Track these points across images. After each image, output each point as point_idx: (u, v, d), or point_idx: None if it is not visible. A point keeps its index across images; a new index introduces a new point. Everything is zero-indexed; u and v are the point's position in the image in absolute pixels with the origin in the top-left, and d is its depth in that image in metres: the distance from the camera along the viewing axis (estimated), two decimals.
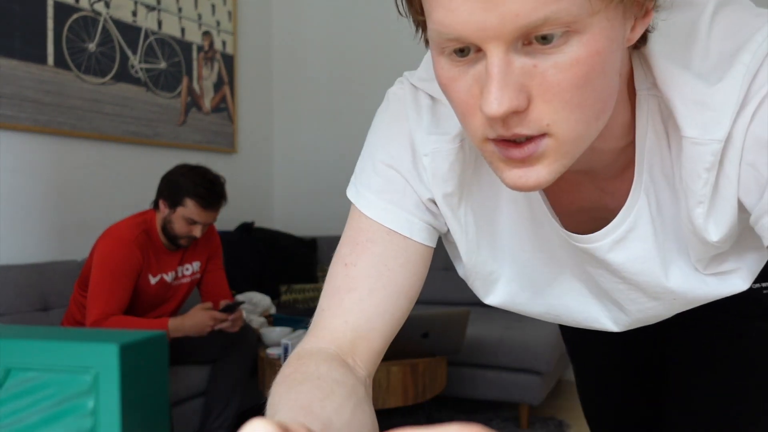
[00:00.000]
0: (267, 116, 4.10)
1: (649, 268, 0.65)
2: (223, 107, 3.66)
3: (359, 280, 0.64)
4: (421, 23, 0.54)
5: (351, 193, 0.69)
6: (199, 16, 3.47)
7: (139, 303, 2.32)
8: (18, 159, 2.54)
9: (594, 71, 0.47)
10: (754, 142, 0.52)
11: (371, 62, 3.82)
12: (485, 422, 2.83)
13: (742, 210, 0.57)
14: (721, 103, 0.52)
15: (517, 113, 0.48)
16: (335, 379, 0.56)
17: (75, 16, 2.76)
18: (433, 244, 0.69)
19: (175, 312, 2.47)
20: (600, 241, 0.64)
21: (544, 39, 0.46)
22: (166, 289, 2.41)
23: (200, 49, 3.47)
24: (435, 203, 0.68)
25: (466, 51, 0.48)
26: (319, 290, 3.42)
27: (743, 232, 0.63)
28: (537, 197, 0.66)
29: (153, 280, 2.34)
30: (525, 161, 0.50)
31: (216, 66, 3.60)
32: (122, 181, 3.01)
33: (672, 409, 0.90)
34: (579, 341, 1.05)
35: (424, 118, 0.66)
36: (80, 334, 0.26)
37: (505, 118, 0.48)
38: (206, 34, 3.52)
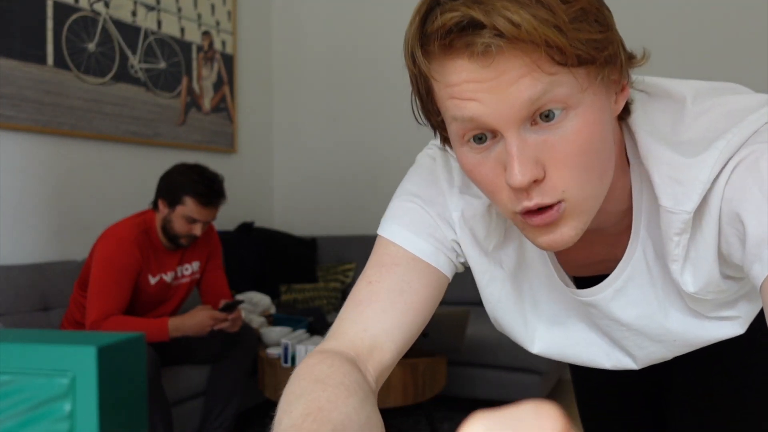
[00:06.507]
0: (267, 116, 4.10)
1: (648, 312, 0.72)
2: (223, 107, 3.65)
3: (382, 293, 0.69)
4: (438, 124, 0.62)
5: (382, 231, 0.74)
6: (199, 16, 3.47)
7: (139, 303, 2.32)
8: (18, 159, 2.55)
9: (594, 137, 0.56)
10: (729, 208, 0.60)
11: (371, 62, 3.82)
12: None
13: (731, 267, 0.64)
14: (692, 181, 0.60)
15: (536, 182, 0.56)
16: (356, 380, 0.59)
17: (74, 16, 2.76)
18: (451, 277, 0.74)
19: (175, 312, 2.47)
20: (602, 292, 0.72)
21: (547, 117, 0.54)
22: (165, 289, 2.41)
23: (200, 49, 3.47)
24: (459, 244, 0.74)
25: (483, 138, 0.57)
26: (318, 290, 3.42)
27: (747, 290, 0.71)
28: (548, 259, 0.73)
29: (152, 280, 2.34)
30: (550, 225, 0.58)
31: (216, 66, 3.60)
32: (122, 181, 3.01)
33: (676, 416, 0.91)
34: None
35: (456, 178, 0.73)
36: (57, 336, 0.26)
37: (528, 189, 0.56)
38: (206, 34, 3.52)
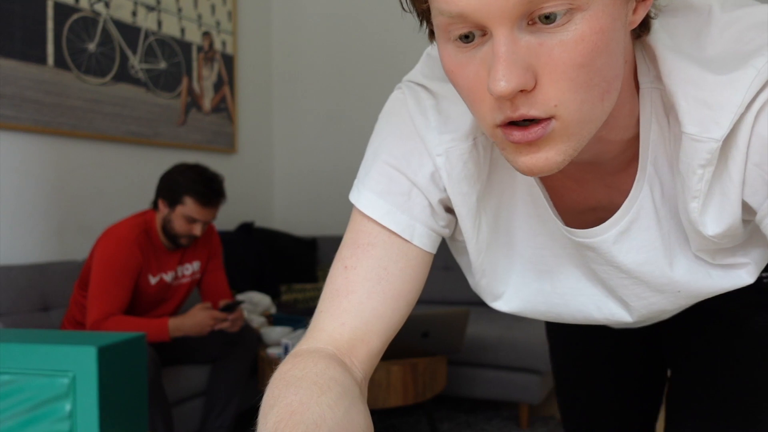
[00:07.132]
0: (267, 116, 4.10)
1: (653, 258, 0.65)
2: (223, 107, 3.66)
3: (358, 283, 0.64)
4: (425, 13, 0.54)
5: (353, 196, 0.68)
6: (199, 17, 3.47)
7: (139, 303, 2.33)
8: (18, 159, 2.55)
9: (598, 49, 0.47)
10: (759, 142, 0.53)
11: (371, 62, 3.82)
12: (485, 422, 2.82)
13: (749, 211, 0.57)
14: (723, 103, 0.52)
15: (524, 93, 0.48)
16: (332, 376, 0.56)
17: (75, 16, 2.76)
18: (434, 251, 0.68)
19: (175, 312, 2.47)
20: (605, 233, 0.64)
21: (548, 18, 0.46)
22: (165, 289, 2.41)
23: (200, 49, 3.47)
24: (443, 205, 0.67)
25: (471, 37, 0.49)
26: (319, 290, 3.42)
27: (754, 232, 0.63)
28: (541, 196, 0.66)
29: (153, 280, 2.34)
30: (533, 145, 0.51)
31: (216, 66, 3.60)
32: (122, 181, 3.01)
33: (672, 403, 0.89)
34: (565, 341, 1.03)
35: (431, 118, 0.65)
36: (57, 336, 0.26)
37: (513, 98, 0.48)
38: (206, 34, 3.52)
